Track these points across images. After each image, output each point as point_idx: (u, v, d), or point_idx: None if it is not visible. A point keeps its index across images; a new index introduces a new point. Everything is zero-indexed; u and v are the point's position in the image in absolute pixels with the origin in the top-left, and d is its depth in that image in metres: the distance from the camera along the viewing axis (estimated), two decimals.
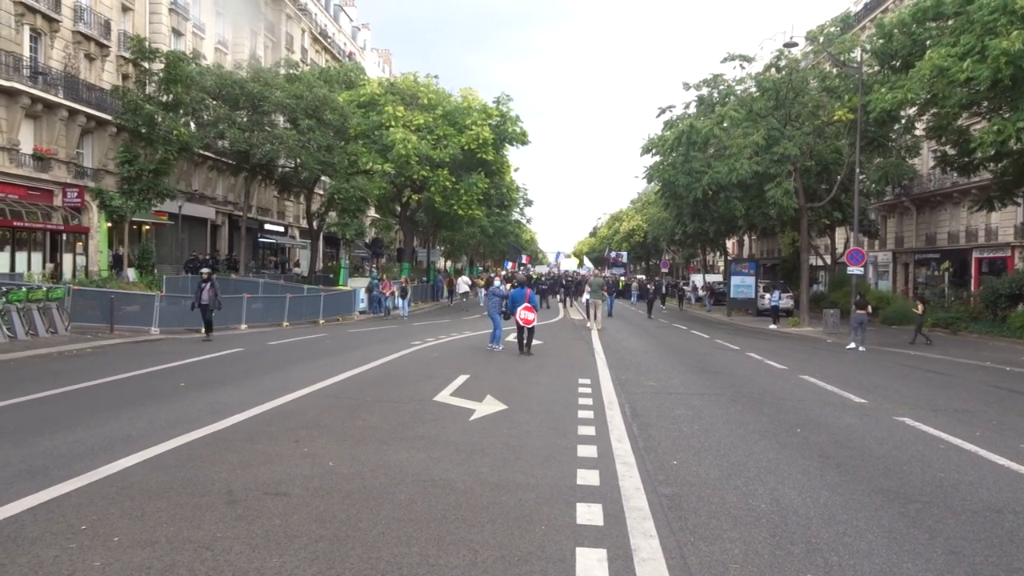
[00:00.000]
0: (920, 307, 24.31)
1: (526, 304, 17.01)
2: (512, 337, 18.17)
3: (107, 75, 33.50)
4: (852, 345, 22.37)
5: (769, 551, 4.83)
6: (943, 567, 4.65)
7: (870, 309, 23.45)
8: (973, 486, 6.59)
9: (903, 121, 30.23)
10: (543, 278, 52.78)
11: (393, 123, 39.72)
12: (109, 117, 31.34)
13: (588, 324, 27.41)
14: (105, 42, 33.04)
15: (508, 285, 19.75)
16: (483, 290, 40.01)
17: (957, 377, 15.56)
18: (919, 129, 32.78)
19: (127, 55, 33.19)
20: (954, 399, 12.19)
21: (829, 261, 44.86)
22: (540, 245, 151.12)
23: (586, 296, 29.29)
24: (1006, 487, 6.60)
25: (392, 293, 34.04)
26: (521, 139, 44.98)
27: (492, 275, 37.14)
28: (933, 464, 7.38)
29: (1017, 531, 5.40)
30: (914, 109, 26.84)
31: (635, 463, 7.00)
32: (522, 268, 72.06)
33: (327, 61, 57.48)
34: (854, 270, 28.51)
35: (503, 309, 18.05)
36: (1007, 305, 27.60)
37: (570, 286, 46.62)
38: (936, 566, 4.66)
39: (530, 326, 17.10)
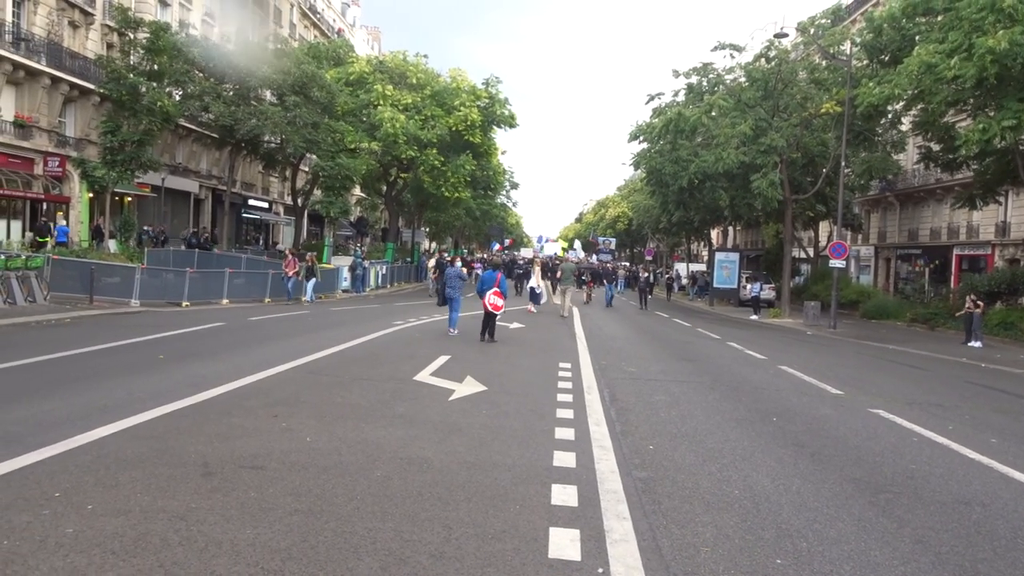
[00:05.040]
0: (980, 306, 23.63)
1: (495, 289, 15.61)
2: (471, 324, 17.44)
3: (91, 44, 33.00)
4: (974, 343, 22.17)
5: (740, 536, 4.89)
6: (909, 555, 4.73)
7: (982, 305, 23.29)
8: (943, 478, 6.69)
9: (889, 116, 30.34)
10: (519, 261, 51.79)
11: (381, 102, 39.44)
12: (92, 86, 30.92)
13: (539, 304, 26.71)
14: (90, 10, 32.52)
15: (464, 267, 18.40)
16: (432, 274, 33.30)
17: (933, 372, 15.74)
18: (905, 124, 32.96)
19: (112, 24, 32.72)
20: (929, 393, 12.33)
21: (812, 254, 45.12)
22: (525, 229, 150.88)
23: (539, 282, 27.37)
24: (975, 480, 6.70)
25: (296, 274, 27.46)
26: (509, 122, 44.88)
27: (447, 256, 31.76)
28: (905, 455, 7.47)
29: (983, 523, 5.49)
30: (901, 104, 26.97)
31: (612, 447, 7.05)
32: (507, 251, 71.60)
33: (316, 37, 56.86)
34: (836, 263, 28.78)
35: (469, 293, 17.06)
36: (985, 303, 27.87)
37: (555, 270, 45.62)
38: (903, 554, 4.74)
39: (498, 313, 15.79)
